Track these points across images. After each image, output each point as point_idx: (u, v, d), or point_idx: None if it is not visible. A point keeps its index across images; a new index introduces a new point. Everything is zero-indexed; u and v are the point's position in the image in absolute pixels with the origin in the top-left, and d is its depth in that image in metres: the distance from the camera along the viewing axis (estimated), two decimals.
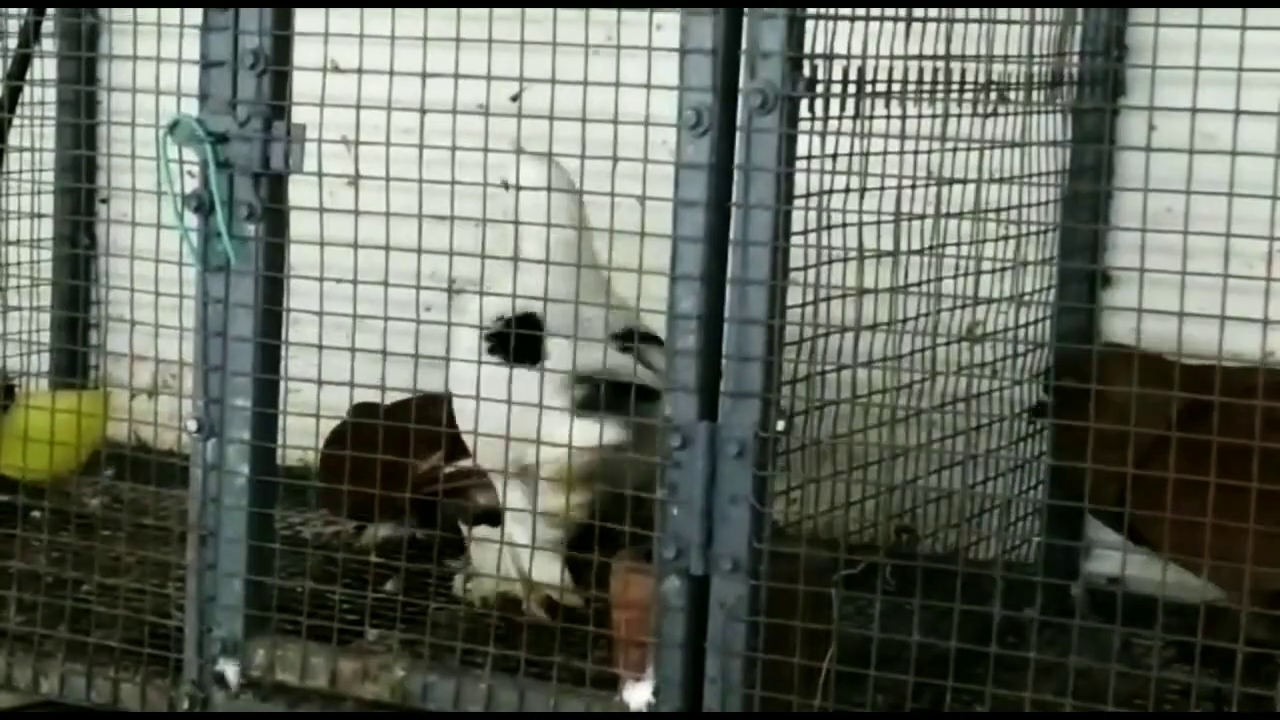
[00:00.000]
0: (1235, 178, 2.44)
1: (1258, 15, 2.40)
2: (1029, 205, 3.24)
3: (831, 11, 2.59)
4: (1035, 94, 3.24)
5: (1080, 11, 3.42)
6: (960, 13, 2.89)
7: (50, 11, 3.64)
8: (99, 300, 4.25)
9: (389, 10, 2.79)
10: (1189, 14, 2.48)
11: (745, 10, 2.53)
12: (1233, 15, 2.39)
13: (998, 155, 3.10)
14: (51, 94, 4.04)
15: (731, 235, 2.56)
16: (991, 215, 2.98)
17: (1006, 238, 3.13)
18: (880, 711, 2.78)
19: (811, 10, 2.54)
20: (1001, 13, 3.05)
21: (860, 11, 2.67)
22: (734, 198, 2.56)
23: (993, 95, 3.02)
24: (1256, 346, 2.46)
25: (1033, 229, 3.29)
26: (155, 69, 2.94)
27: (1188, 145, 2.43)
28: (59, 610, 3.24)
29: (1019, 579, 2.72)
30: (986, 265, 3.06)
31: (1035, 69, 3.22)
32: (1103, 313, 3.49)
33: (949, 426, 3.05)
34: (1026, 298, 3.27)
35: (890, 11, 2.74)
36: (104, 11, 3.89)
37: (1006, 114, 3.11)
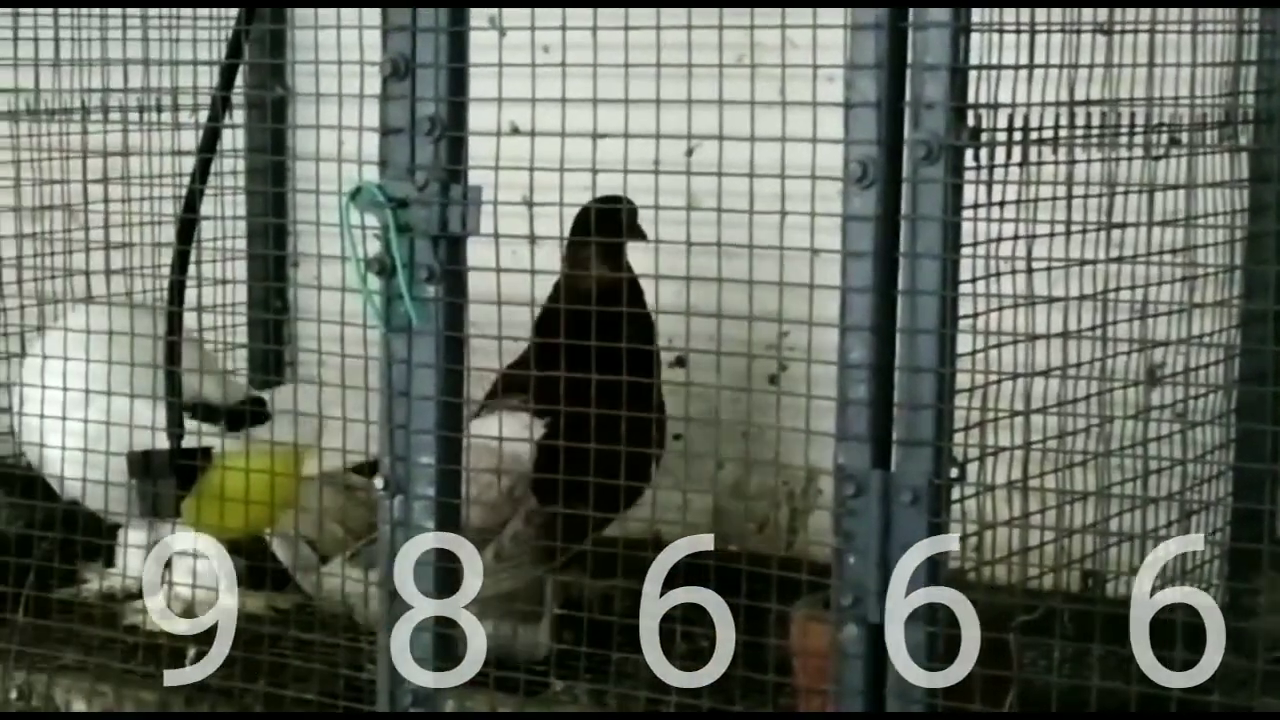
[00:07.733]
0: None
1: None
2: (1202, 246, 3.21)
3: (995, 61, 2.61)
4: (1207, 135, 3.22)
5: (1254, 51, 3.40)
6: (1128, 58, 2.89)
7: (238, 84, 3.75)
8: (292, 361, 4.36)
9: (560, 73, 2.84)
10: None
11: (909, 62, 2.55)
12: None
13: (1170, 197, 3.08)
14: (241, 164, 4.16)
15: (900, 285, 2.59)
16: (1164, 259, 2.97)
17: (1179, 280, 3.11)
18: None
19: (975, 61, 2.56)
20: (1171, 56, 3.04)
21: (1024, 60, 2.68)
22: (901, 248, 2.58)
23: (1162, 138, 3.01)
24: None
25: (1208, 270, 3.27)
26: (337, 137, 3.03)
27: None
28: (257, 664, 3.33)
29: (1197, 623, 2.70)
30: (1161, 308, 3.05)
31: (1205, 110, 3.20)
32: None
33: (1128, 470, 3.03)
34: (1203, 340, 3.25)
35: (1055, 59, 2.74)
36: (290, 82, 4.00)
37: (1177, 156, 3.10)
